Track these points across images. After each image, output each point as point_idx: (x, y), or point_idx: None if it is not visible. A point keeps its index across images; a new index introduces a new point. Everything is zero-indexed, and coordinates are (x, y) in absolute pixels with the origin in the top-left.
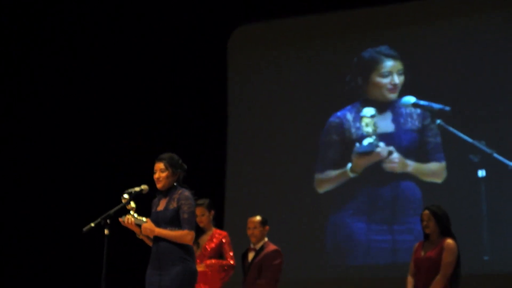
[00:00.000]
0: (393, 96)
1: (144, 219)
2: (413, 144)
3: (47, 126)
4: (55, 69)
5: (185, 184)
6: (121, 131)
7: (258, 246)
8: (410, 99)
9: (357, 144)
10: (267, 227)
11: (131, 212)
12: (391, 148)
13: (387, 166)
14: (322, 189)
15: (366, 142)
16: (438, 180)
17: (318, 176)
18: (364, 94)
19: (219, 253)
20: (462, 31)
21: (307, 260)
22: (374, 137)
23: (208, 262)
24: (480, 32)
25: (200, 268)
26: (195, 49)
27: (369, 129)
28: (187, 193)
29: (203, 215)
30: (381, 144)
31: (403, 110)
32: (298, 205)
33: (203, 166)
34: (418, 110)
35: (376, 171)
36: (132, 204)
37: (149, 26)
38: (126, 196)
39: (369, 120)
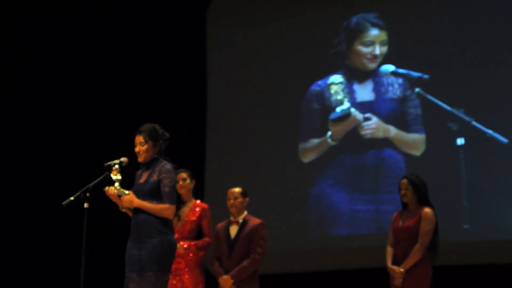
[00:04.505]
0: (372, 65)
1: (126, 191)
2: (393, 113)
3: (27, 100)
4: (23, 50)
5: (167, 157)
6: (100, 103)
7: (240, 218)
8: (389, 67)
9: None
10: (247, 199)
11: (116, 184)
12: (368, 114)
13: (367, 132)
14: (307, 159)
15: (339, 109)
16: (417, 153)
17: (302, 145)
18: (346, 61)
19: (199, 226)
20: None
21: (291, 231)
22: (347, 103)
23: (186, 244)
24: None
25: (180, 250)
26: (174, 18)
27: (339, 96)
28: (168, 166)
29: (184, 181)
30: (354, 109)
31: (385, 80)
32: (281, 175)
33: (183, 136)
34: (400, 80)
35: (357, 139)
36: (118, 176)
37: None
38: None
39: (336, 87)
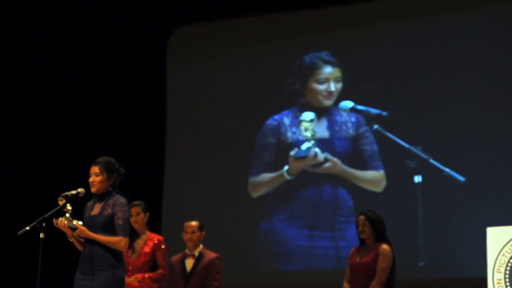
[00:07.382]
0: (328, 102)
1: (80, 222)
2: (346, 152)
3: None
4: None
5: (120, 191)
6: (58, 134)
7: (196, 252)
8: (348, 104)
9: (296, 149)
10: (203, 233)
11: (67, 215)
12: (327, 154)
13: (322, 167)
14: (256, 193)
15: (304, 147)
16: (377, 189)
17: (253, 179)
18: (301, 99)
19: (153, 258)
20: (398, 36)
21: (241, 266)
22: (312, 141)
23: (140, 276)
24: (415, 37)
25: (133, 282)
26: (134, 51)
27: (308, 134)
28: (122, 200)
29: (138, 215)
30: (318, 149)
31: (338, 118)
32: (233, 209)
33: (141, 169)
34: (353, 118)
35: (309, 175)
36: (68, 206)
37: (87, 27)
38: (62, 199)
39: (308, 125)
